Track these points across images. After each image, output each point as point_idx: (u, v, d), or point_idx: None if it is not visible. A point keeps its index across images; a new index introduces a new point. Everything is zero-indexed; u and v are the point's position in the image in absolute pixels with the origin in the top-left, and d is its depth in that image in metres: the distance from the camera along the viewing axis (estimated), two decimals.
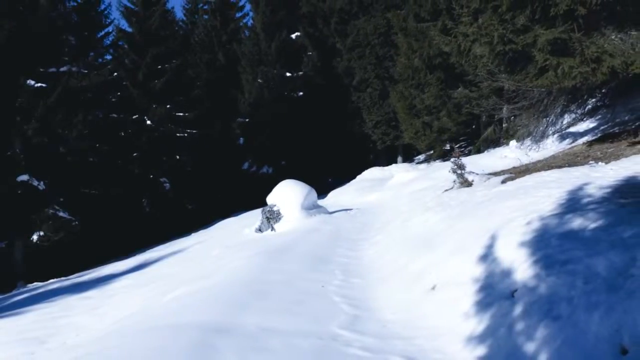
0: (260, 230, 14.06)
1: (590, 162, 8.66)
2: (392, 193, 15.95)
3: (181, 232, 21.22)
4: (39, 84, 17.03)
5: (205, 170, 30.06)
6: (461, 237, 6.45)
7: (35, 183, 16.65)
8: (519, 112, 12.60)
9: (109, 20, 27.08)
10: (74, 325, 9.09)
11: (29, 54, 17.51)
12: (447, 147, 24.92)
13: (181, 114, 30.83)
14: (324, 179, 28.73)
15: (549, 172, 8.11)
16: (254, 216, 15.13)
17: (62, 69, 18.06)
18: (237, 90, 33.25)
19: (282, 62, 31.86)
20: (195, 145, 30.62)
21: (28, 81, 17.01)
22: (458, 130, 21.09)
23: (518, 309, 4.31)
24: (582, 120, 14.05)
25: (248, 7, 45.98)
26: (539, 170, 9.27)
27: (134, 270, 13.16)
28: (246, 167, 32.06)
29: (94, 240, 18.90)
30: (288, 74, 32.32)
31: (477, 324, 4.57)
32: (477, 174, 10.66)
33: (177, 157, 30.55)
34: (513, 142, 16.08)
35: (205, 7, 40.95)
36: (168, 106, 29.65)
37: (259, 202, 15.77)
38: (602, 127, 13.87)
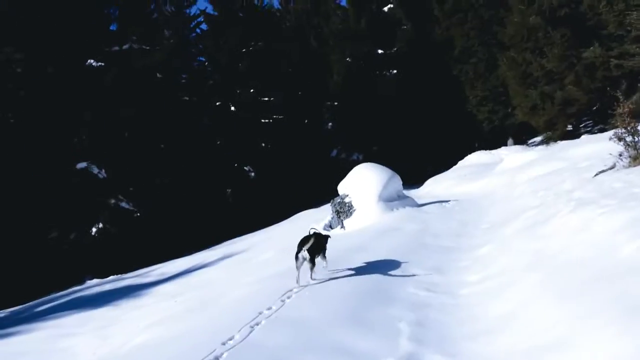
0: (330, 226, 11.36)
1: None
2: (504, 180, 12.35)
3: (258, 225, 19.19)
4: (100, 64, 15.68)
5: (292, 157, 27.95)
6: None
7: (95, 171, 15.39)
8: None
9: None
10: (70, 351, 7.19)
11: (93, 33, 16.27)
12: (570, 127, 20.29)
13: (266, 98, 29.14)
14: (422, 167, 25.21)
15: None
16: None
17: (124, 47, 16.60)
18: (327, 74, 30.74)
19: (374, 39, 28.73)
20: (280, 131, 28.72)
21: (89, 61, 15.74)
22: (590, 101, 16.60)
23: None
24: None
25: None
26: None
27: (179, 276, 11.20)
28: (335, 154, 29.50)
29: (163, 233, 17.40)
30: (380, 51, 29.12)
31: None
32: None
33: (262, 144, 28.92)
34: None
35: None
36: (252, 90, 28.06)
37: None
38: None
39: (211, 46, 28.96)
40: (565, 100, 16.87)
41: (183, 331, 5.22)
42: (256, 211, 22.86)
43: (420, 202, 11.66)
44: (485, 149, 21.13)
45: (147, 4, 21.70)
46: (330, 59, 30.24)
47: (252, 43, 29.11)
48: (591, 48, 15.19)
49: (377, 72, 29.01)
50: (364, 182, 10.94)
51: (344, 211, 10.74)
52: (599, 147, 10.03)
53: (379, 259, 6.64)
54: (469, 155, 19.73)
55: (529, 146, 21.30)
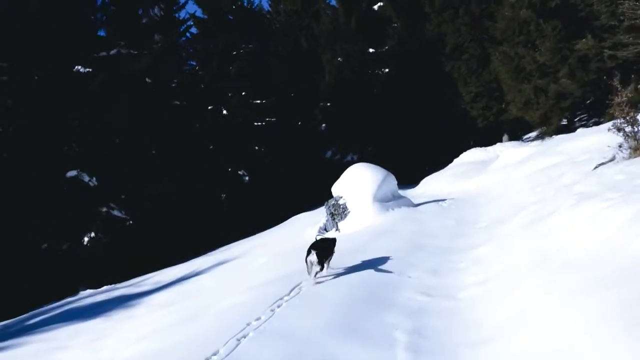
0: (325, 229, 11.12)
1: None
2: (500, 176, 12.15)
3: (254, 230, 18.93)
4: (87, 69, 15.39)
5: (286, 160, 27.70)
6: None
7: (86, 179, 15.08)
8: None
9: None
10: None
11: (80, 39, 16.00)
12: (565, 121, 20.13)
13: (258, 101, 28.92)
14: (418, 166, 24.99)
15: None
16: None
17: (112, 52, 16.30)
18: (319, 74, 30.49)
19: (364, 37, 28.51)
20: (274, 134, 28.49)
21: (76, 67, 15.45)
22: (584, 95, 16.44)
23: None
24: None
25: None
26: None
27: (172, 284, 10.93)
28: (329, 155, 29.24)
29: (157, 240, 17.10)
30: (371, 50, 28.91)
31: None
32: None
33: (256, 147, 28.65)
34: None
35: None
36: (243, 93, 27.82)
37: None
38: None
39: (201, 50, 28.77)
40: (560, 93, 16.70)
41: (170, 345, 5.00)
42: (251, 215, 22.58)
43: (416, 201, 11.44)
44: (481, 146, 20.93)
45: (135, 8, 21.41)
46: (321, 59, 29.98)
47: (243, 46, 28.92)
48: (584, 40, 15.01)
49: (369, 72, 28.78)
50: (357, 183, 10.70)
51: (338, 213, 10.51)
52: (597, 139, 9.85)
53: (374, 262, 6.41)
54: (464, 153, 19.52)
55: (525, 142, 21.13)
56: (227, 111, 27.85)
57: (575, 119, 21.26)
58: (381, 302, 4.93)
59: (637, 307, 2.89)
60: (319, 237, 6.62)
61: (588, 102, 20.72)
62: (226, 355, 3.78)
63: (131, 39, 18.15)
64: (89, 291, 14.35)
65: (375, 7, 29.18)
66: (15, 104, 15.33)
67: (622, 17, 12.74)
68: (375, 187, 10.39)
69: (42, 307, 13.01)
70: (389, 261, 6.39)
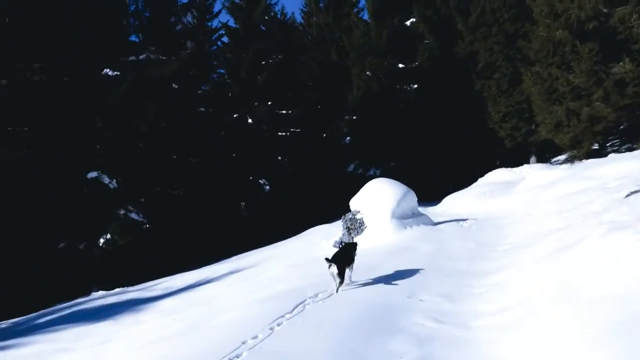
0: (340, 243, 10.83)
1: None
2: (526, 199, 11.67)
3: (271, 239, 18.73)
4: (115, 73, 15.54)
5: (308, 171, 27.54)
6: None
7: (106, 181, 15.15)
8: None
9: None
10: None
11: (110, 43, 16.22)
12: (596, 145, 19.41)
13: (284, 112, 28.93)
14: (441, 183, 24.47)
15: None
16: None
17: (141, 57, 16.46)
18: (347, 88, 30.36)
19: (395, 52, 28.24)
20: (297, 144, 28.42)
21: (105, 70, 15.63)
22: (618, 119, 15.84)
23: None
24: None
25: (362, 1, 43.43)
26: None
27: (183, 290, 10.79)
28: (352, 168, 28.92)
29: (173, 245, 17.06)
30: (401, 65, 28.62)
31: None
32: None
33: (279, 157, 28.59)
34: None
35: (321, 5, 39.34)
36: (269, 103, 27.86)
37: None
38: None
39: (231, 58, 28.98)
40: (592, 117, 16.10)
41: (167, 357, 4.78)
42: (269, 225, 22.43)
43: (436, 220, 11.07)
44: (507, 167, 20.35)
45: (169, 15, 21.69)
46: (350, 72, 29.86)
47: (273, 56, 29.05)
48: (621, 63, 14.46)
49: (398, 87, 28.47)
50: (376, 198, 10.42)
51: (354, 228, 10.23)
52: (630, 166, 9.38)
53: (386, 281, 6.11)
54: (489, 173, 18.98)
55: (553, 164, 20.46)
56: (252, 120, 27.90)
57: (607, 144, 20.51)
58: (388, 326, 4.62)
59: None
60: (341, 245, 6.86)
61: (621, 127, 19.99)
62: None
63: (162, 45, 18.33)
64: (100, 292, 14.35)
65: (408, 22, 28.94)
66: (44, 103, 15.57)
67: None
68: (394, 203, 10.08)
69: (53, 306, 13.02)
70: (401, 281, 6.08)
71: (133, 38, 19.73)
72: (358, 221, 10.26)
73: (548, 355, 3.39)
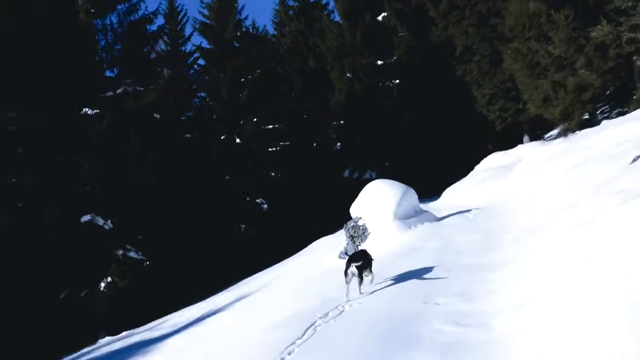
0: (346, 253, 10.50)
1: None
2: (525, 180, 11.37)
3: (275, 258, 18.37)
4: (95, 110, 15.23)
5: (303, 183, 27.23)
6: None
7: (101, 222, 14.79)
8: None
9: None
10: None
11: (85, 81, 15.95)
12: (587, 115, 19.19)
13: (271, 126, 28.65)
14: (439, 176, 24.10)
15: None
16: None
17: (118, 91, 16.15)
18: (329, 93, 30.10)
19: (371, 50, 28.03)
20: (289, 157, 28.14)
21: (84, 110, 15.31)
22: (604, 84, 15.62)
23: None
24: None
25: (332, 3, 43.22)
26: None
27: (190, 325, 10.40)
28: (347, 174, 28.56)
29: (177, 279, 16.70)
30: (379, 62, 28.41)
31: None
32: None
33: (272, 173, 28.27)
34: None
35: (290, 12, 39.18)
36: (255, 119, 27.58)
37: None
38: None
39: (210, 80, 28.76)
40: (579, 86, 15.89)
41: None
42: (272, 243, 22.08)
43: (439, 215, 10.76)
44: (501, 150, 20.05)
45: (141, 45, 21.37)
46: (330, 76, 29.62)
47: (252, 72, 28.80)
48: (599, 26, 14.21)
49: (380, 84, 28.21)
50: (376, 202, 10.11)
51: (358, 235, 9.91)
52: (627, 130, 9.09)
53: (398, 287, 5.82)
54: (484, 159, 18.69)
55: (547, 140, 20.19)
56: (240, 139, 27.62)
57: (597, 112, 20.30)
58: (408, 335, 4.32)
59: None
60: (360, 249, 7.42)
61: (608, 92, 19.79)
62: None
63: (138, 76, 18.05)
64: (107, 339, 13.97)
65: (380, 17, 28.74)
66: (26, 152, 15.28)
67: None
68: (394, 204, 9.78)
69: (61, 358, 12.62)
70: (413, 285, 5.78)
71: (108, 73, 19.35)
72: (361, 228, 9.94)
73: (583, 352, 3.06)
